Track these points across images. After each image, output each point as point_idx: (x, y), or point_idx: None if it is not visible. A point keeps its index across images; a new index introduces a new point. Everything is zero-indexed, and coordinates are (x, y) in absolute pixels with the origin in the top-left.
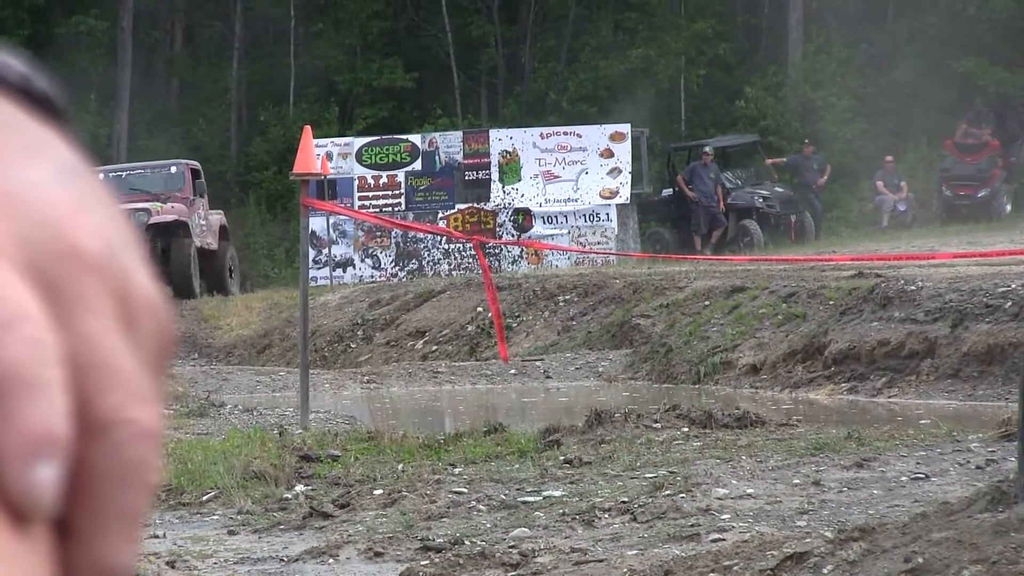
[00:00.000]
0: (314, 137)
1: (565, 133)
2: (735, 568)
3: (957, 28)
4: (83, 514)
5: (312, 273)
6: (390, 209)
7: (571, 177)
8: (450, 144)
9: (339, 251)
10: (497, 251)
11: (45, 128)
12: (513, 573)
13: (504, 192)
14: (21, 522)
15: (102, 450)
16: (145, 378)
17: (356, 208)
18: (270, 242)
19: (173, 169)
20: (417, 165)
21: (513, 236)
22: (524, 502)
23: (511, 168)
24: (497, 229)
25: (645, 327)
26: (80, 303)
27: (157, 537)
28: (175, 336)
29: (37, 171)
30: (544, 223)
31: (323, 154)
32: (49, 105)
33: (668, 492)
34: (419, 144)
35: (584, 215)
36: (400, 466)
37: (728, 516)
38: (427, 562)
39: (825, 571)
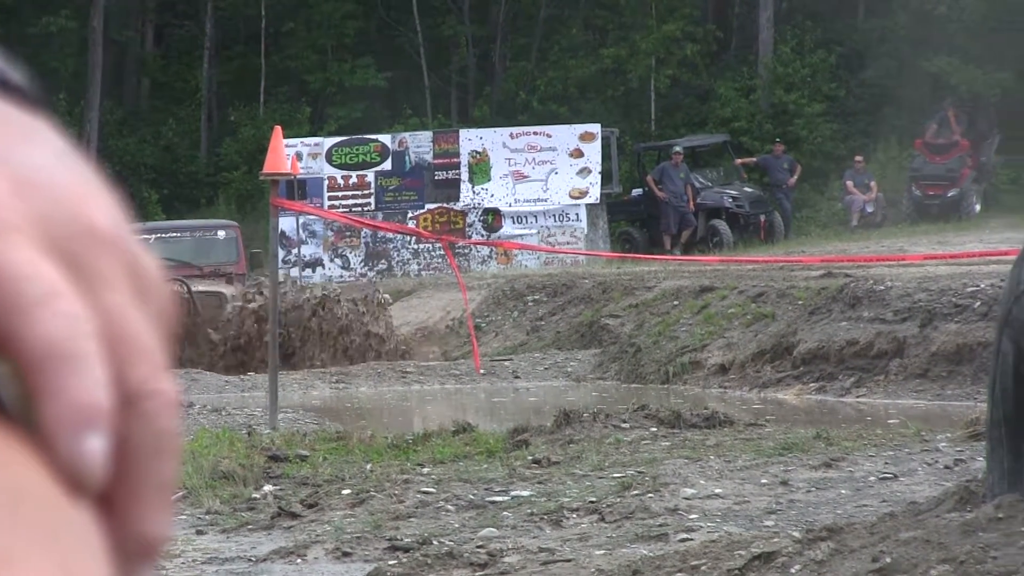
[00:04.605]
0: (285, 137)
1: (535, 133)
2: (703, 568)
3: (928, 28)
4: (121, 487)
5: (281, 273)
6: (360, 209)
7: (541, 177)
8: (420, 144)
9: (308, 251)
10: (466, 251)
11: (31, 116)
12: (481, 573)
13: (474, 192)
14: (75, 495)
15: (135, 422)
16: (162, 350)
17: (326, 208)
18: None
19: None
20: (387, 165)
21: (482, 236)
22: (492, 502)
23: (481, 168)
24: (467, 229)
25: (614, 327)
26: (100, 279)
27: None
28: (176, 313)
29: (39, 154)
30: (513, 223)
31: (293, 154)
32: (25, 97)
33: (636, 492)
34: (389, 144)
35: (554, 215)
36: (368, 466)
37: (696, 516)
38: (395, 562)
39: (793, 571)
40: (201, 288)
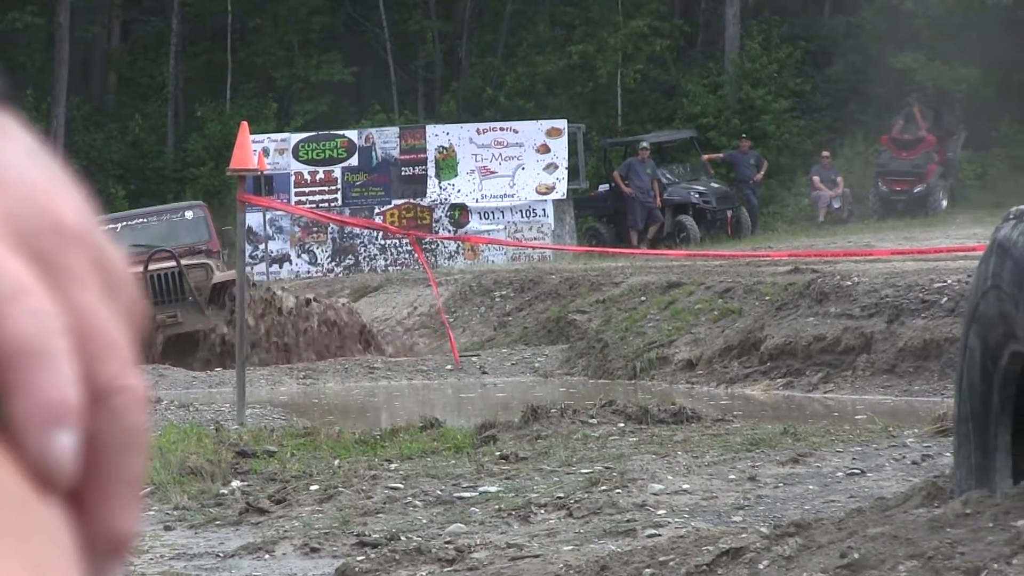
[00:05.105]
0: (252, 133)
1: (502, 129)
2: (671, 563)
3: (894, 23)
4: (90, 483)
5: (248, 269)
6: (326, 205)
7: (507, 173)
8: (387, 140)
9: (275, 247)
10: (433, 247)
11: (1, 114)
12: (449, 568)
13: (440, 188)
14: (45, 491)
15: (104, 418)
16: (131, 346)
17: (293, 204)
18: None
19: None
20: (353, 161)
21: (449, 232)
22: (460, 498)
23: (447, 164)
24: (433, 225)
25: (581, 323)
26: (70, 275)
27: None
28: (143, 308)
29: (9, 151)
30: (480, 219)
31: (260, 150)
32: None
33: (604, 488)
34: (356, 140)
35: (520, 211)
36: (336, 462)
37: (664, 512)
38: (363, 558)
39: (761, 566)
40: (187, 261)
